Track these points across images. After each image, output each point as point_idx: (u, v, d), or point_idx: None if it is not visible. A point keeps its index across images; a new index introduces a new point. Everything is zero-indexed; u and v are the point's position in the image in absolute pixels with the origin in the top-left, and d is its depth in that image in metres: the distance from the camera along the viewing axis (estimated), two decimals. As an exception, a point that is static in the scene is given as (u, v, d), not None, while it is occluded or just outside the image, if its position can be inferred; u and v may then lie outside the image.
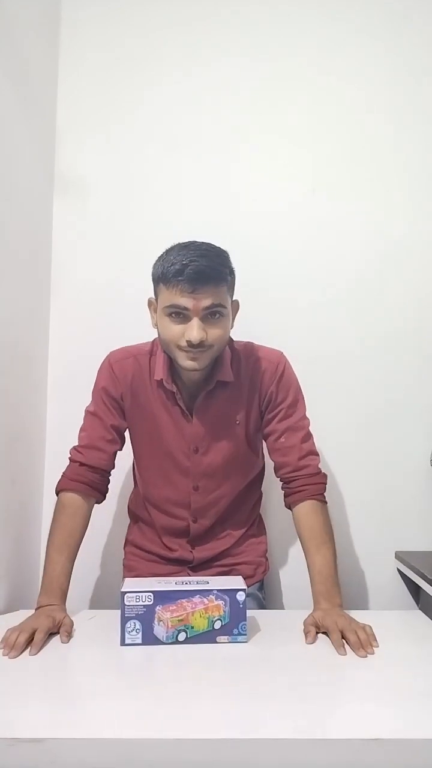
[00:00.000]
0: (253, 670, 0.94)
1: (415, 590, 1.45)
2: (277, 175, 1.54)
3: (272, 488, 1.43)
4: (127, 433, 1.27)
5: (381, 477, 1.51)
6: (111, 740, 0.73)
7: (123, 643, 1.00)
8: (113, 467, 1.24)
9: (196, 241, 1.09)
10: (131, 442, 1.27)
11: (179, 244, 1.09)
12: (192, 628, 1.01)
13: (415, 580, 1.36)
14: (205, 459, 1.21)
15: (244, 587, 1.04)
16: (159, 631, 1.00)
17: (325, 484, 1.21)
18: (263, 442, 1.28)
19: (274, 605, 1.45)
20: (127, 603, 1.00)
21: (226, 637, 1.02)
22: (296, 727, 0.76)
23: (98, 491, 1.21)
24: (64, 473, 1.21)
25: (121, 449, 1.26)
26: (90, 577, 1.48)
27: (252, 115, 1.55)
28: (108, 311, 1.51)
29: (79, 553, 1.47)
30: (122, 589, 1.02)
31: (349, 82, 1.55)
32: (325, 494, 1.20)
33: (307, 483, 1.18)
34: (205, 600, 1.02)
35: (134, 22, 1.55)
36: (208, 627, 1.02)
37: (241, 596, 1.03)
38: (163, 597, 1.01)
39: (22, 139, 1.34)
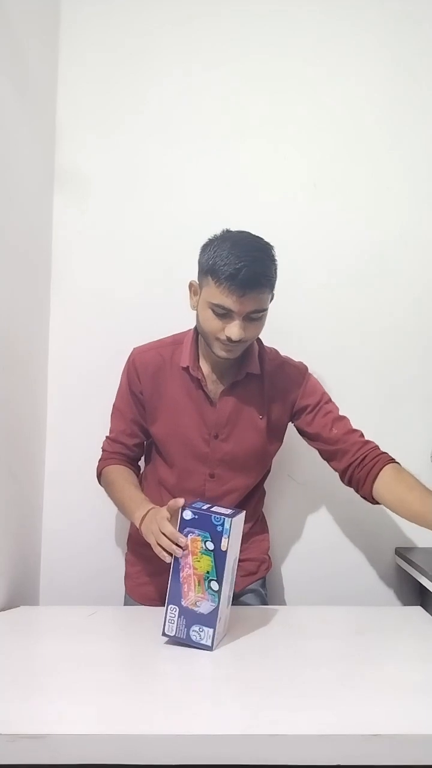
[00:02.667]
0: (254, 666, 0.94)
1: (415, 586, 1.46)
2: (278, 172, 1.54)
3: (273, 487, 1.43)
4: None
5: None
6: (112, 736, 0.74)
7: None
8: (141, 455, 1.31)
9: (248, 236, 1.11)
10: (150, 431, 1.27)
11: (231, 237, 1.10)
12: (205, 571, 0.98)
13: (415, 577, 1.36)
14: (224, 446, 1.22)
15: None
16: (205, 606, 0.97)
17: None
18: (278, 448, 1.30)
19: (276, 602, 1.45)
20: (178, 636, 0.98)
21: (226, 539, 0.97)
22: (297, 723, 0.76)
23: (132, 467, 1.29)
24: (99, 460, 1.29)
25: (145, 441, 1.31)
26: (91, 574, 1.48)
27: (253, 111, 1.54)
28: (108, 309, 1.51)
29: (80, 549, 1.49)
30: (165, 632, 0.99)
31: (350, 79, 1.54)
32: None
33: (379, 454, 1.20)
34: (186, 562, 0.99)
35: (134, 20, 1.54)
36: (211, 560, 0.98)
37: (187, 515, 0.99)
38: (174, 595, 1.00)
39: (22, 137, 1.33)
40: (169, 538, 0.99)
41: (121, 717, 0.77)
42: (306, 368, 1.29)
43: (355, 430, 1.24)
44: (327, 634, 1.08)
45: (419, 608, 1.27)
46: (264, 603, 1.30)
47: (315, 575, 1.50)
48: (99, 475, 1.29)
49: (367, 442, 1.23)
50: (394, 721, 0.77)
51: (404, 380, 1.52)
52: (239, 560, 1.26)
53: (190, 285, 1.18)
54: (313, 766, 0.74)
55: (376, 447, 1.22)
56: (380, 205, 1.54)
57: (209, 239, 1.13)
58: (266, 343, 1.29)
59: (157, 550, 1.01)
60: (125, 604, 1.33)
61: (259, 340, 1.26)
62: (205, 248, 1.12)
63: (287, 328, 1.47)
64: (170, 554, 1.00)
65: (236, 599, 1.25)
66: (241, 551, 1.26)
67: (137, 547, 1.32)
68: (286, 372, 1.26)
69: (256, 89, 1.54)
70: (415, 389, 1.52)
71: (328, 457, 1.26)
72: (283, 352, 1.32)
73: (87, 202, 1.53)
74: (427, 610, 1.23)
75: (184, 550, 0.99)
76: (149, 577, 1.26)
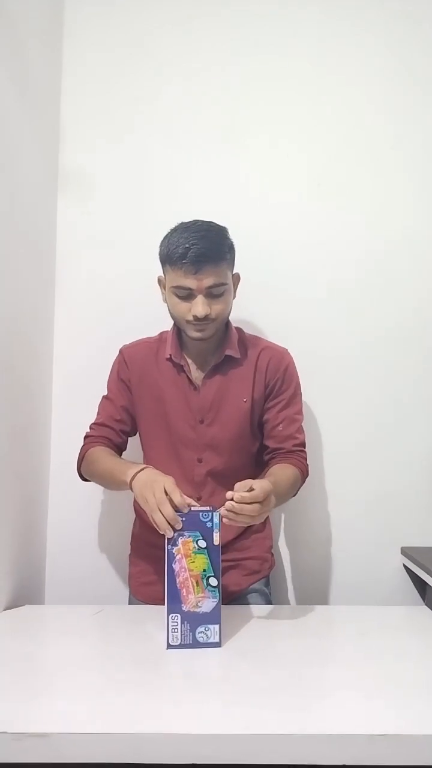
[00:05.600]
0: (258, 666, 0.94)
1: (421, 586, 1.45)
2: (281, 172, 1.54)
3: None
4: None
5: (386, 472, 1.51)
6: (116, 735, 0.73)
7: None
8: (124, 446, 1.30)
9: (198, 221, 1.18)
10: (138, 424, 1.29)
11: (182, 225, 1.17)
12: (201, 569, 0.98)
13: (421, 576, 1.35)
14: (210, 430, 1.24)
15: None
16: (207, 604, 0.98)
17: (306, 472, 1.25)
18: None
19: (279, 601, 1.45)
20: (182, 642, 0.98)
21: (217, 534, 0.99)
22: (301, 723, 0.76)
23: (116, 449, 1.28)
24: (81, 448, 1.27)
25: (131, 433, 1.31)
26: (96, 573, 1.49)
27: (255, 111, 1.54)
28: (113, 307, 1.51)
29: (85, 549, 1.49)
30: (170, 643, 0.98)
31: (351, 79, 1.54)
32: (305, 475, 1.24)
33: (293, 458, 1.23)
34: (180, 563, 0.98)
35: (136, 20, 1.54)
36: (206, 557, 0.99)
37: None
38: (173, 603, 0.98)
39: (25, 138, 1.33)
40: (166, 519, 0.98)
41: (125, 716, 0.77)
42: (286, 353, 1.29)
43: (296, 437, 1.25)
44: (332, 634, 1.08)
45: (425, 608, 1.27)
46: (268, 602, 1.30)
47: (320, 574, 1.50)
48: (81, 461, 1.25)
49: (292, 450, 1.24)
50: (400, 721, 0.77)
51: (409, 379, 1.52)
52: (242, 559, 1.26)
53: (158, 280, 1.23)
54: (318, 765, 0.73)
55: (295, 452, 1.23)
56: (383, 205, 1.53)
57: (165, 235, 1.18)
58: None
59: (152, 520, 1.00)
60: (130, 603, 1.33)
61: (239, 329, 1.30)
62: (161, 242, 1.18)
63: (289, 329, 1.47)
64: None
65: (240, 598, 1.25)
66: (243, 549, 1.27)
67: (140, 546, 1.32)
68: (268, 355, 1.27)
69: (258, 89, 1.54)
70: (419, 388, 1.52)
71: (265, 441, 1.28)
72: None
73: (90, 203, 1.53)
74: (432, 610, 1.22)
75: (176, 555, 0.99)
76: (152, 576, 1.26)
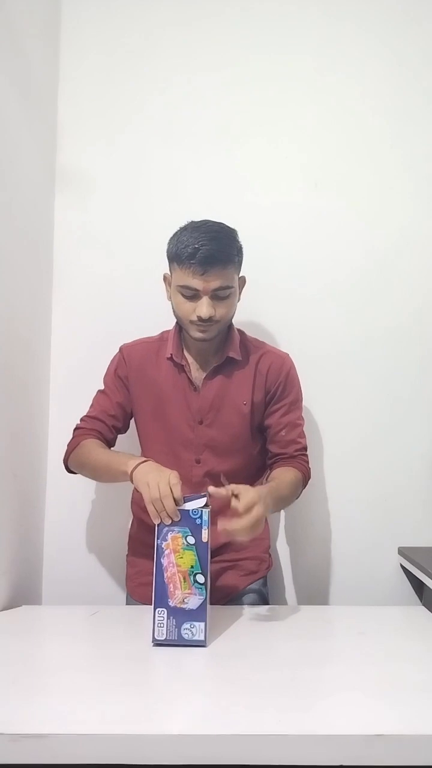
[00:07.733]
0: (256, 666, 0.93)
1: (418, 586, 1.45)
2: (280, 172, 1.53)
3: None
4: (132, 424, 1.31)
5: (384, 472, 1.51)
6: (114, 736, 0.73)
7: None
8: (113, 443, 1.28)
9: (208, 221, 1.17)
10: (136, 424, 1.29)
11: (192, 224, 1.17)
12: (189, 565, 0.98)
13: (418, 576, 1.36)
14: (209, 431, 1.23)
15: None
16: (193, 601, 0.98)
17: (308, 475, 1.26)
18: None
19: (277, 601, 1.45)
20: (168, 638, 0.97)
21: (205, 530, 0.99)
22: (299, 723, 0.76)
23: (107, 444, 1.26)
24: (72, 440, 1.26)
25: (122, 430, 1.30)
26: (94, 573, 1.48)
27: (254, 110, 1.54)
28: (110, 306, 1.51)
29: (82, 549, 1.49)
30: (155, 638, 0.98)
31: (351, 78, 1.54)
32: (306, 478, 1.25)
33: (295, 462, 1.24)
34: (169, 557, 0.99)
35: (135, 20, 1.54)
36: (194, 554, 0.99)
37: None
38: (160, 597, 0.98)
39: (23, 137, 1.33)
40: (167, 511, 0.98)
41: (123, 717, 0.77)
42: (287, 358, 1.29)
43: (298, 442, 1.26)
44: (329, 634, 1.08)
45: (422, 608, 1.27)
46: (265, 602, 1.30)
47: (317, 575, 1.50)
48: (70, 453, 1.24)
49: (294, 455, 1.25)
50: (397, 722, 0.77)
51: (408, 379, 1.52)
52: (239, 560, 1.26)
53: (164, 277, 1.23)
54: (316, 766, 0.73)
55: (297, 457, 1.25)
56: (382, 205, 1.53)
57: (174, 232, 1.18)
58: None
59: (150, 509, 1.00)
60: (127, 604, 1.33)
61: (241, 331, 1.30)
62: (170, 239, 1.18)
63: (288, 329, 1.47)
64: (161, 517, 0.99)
65: (237, 599, 1.25)
66: (241, 549, 1.27)
67: (137, 547, 1.32)
68: (270, 359, 1.27)
69: (258, 89, 1.54)
70: (419, 388, 1.52)
71: (268, 445, 1.28)
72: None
73: (88, 202, 1.53)
74: (430, 610, 1.22)
75: (165, 550, 0.99)
76: (149, 577, 1.25)
